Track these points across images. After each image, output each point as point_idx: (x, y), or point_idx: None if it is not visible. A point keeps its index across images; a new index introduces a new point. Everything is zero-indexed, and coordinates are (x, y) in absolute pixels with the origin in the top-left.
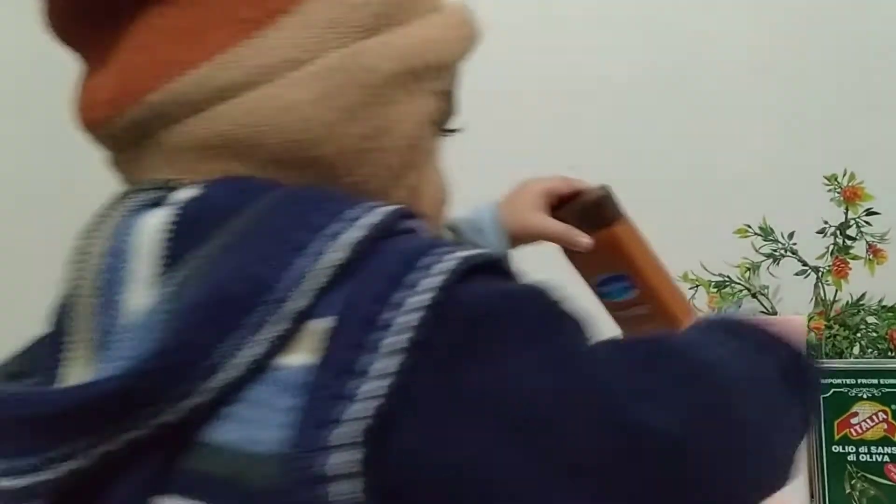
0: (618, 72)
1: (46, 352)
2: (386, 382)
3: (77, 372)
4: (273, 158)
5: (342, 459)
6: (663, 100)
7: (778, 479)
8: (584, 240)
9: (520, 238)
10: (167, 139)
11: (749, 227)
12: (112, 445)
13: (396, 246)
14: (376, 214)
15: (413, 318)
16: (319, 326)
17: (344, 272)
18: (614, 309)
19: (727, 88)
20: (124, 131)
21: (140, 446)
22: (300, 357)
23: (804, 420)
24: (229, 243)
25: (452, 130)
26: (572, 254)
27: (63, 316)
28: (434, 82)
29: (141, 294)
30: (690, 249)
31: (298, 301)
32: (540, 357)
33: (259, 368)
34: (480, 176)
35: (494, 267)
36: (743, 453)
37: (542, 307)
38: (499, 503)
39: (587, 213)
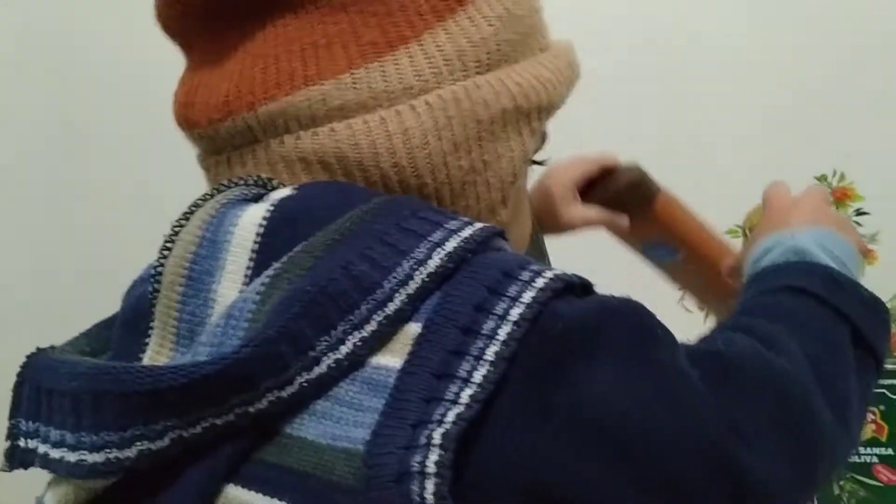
0: (607, 69)
1: (122, 335)
2: (487, 390)
3: (161, 358)
4: (379, 180)
5: (433, 459)
6: (653, 99)
7: (853, 445)
8: (625, 222)
9: (556, 231)
10: (275, 148)
11: (740, 227)
12: (192, 430)
13: (492, 259)
14: (474, 228)
15: (516, 330)
16: (413, 330)
17: (437, 280)
18: (660, 268)
19: (718, 89)
20: (231, 135)
21: (218, 434)
22: (395, 359)
23: (877, 373)
24: (333, 241)
25: (541, 164)
26: (615, 234)
27: (142, 302)
28: (538, 122)
29: (234, 285)
30: None
31: (399, 302)
32: (633, 374)
33: (354, 366)
34: None
35: (585, 287)
36: (826, 467)
37: (635, 323)
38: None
39: (624, 196)
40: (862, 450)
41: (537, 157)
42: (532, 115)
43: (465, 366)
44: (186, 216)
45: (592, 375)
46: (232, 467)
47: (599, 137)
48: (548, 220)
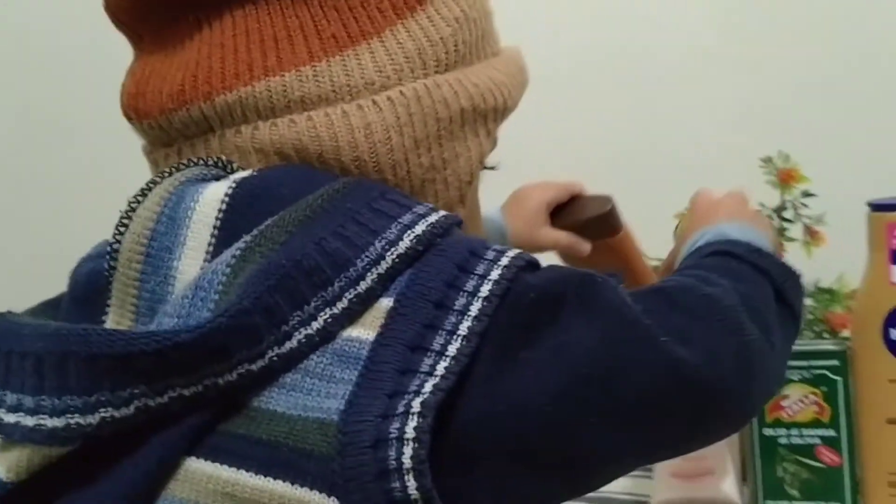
0: (558, 55)
1: (73, 311)
2: (462, 363)
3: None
4: (341, 174)
5: (412, 426)
6: (602, 84)
7: (777, 388)
8: (587, 249)
9: (524, 249)
10: (231, 138)
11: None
12: (158, 399)
13: (458, 240)
14: (439, 215)
15: (487, 306)
16: (385, 305)
17: (407, 259)
18: None
19: (666, 72)
20: (184, 125)
21: (184, 404)
22: (367, 332)
23: (796, 329)
24: (306, 218)
25: (491, 168)
26: (569, 256)
27: (95, 278)
28: (494, 124)
29: (195, 261)
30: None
31: (371, 280)
32: (594, 320)
33: (326, 339)
34: None
35: (537, 264)
36: (761, 374)
37: (588, 282)
38: (564, 457)
39: (594, 224)
40: (805, 432)
41: (489, 163)
42: (488, 116)
43: (439, 339)
44: (143, 192)
45: (562, 331)
46: (195, 439)
47: (551, 126)
48: (517, 238)
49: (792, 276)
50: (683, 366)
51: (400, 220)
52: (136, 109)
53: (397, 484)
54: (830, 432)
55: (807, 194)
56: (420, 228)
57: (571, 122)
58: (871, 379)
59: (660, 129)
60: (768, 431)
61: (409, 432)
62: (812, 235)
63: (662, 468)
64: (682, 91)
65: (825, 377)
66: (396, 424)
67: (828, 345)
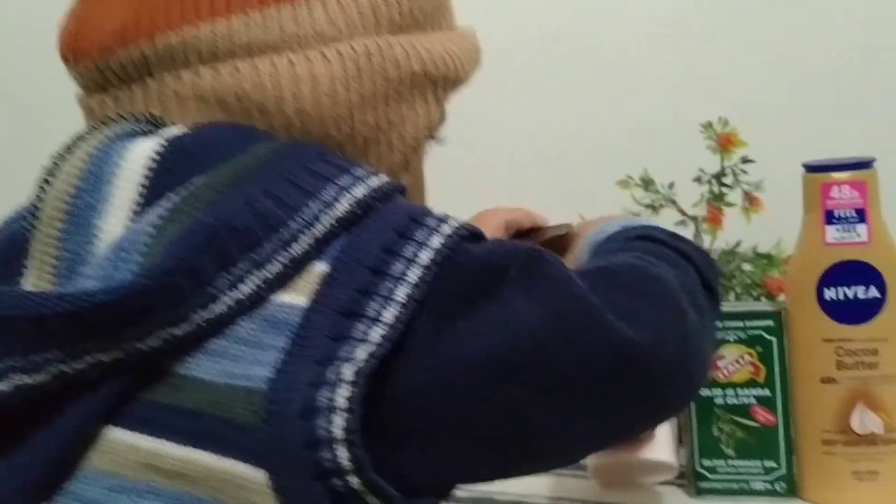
0: (499, 24)
1: None
2: (398, 329)
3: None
4: (281, 126)
5: (344, 395)
6: (544, 52)
7: (707, 374)
8: None
9: None
10: (170, 83)
11: (631, 178)
12: (75, 365)
13: (399, 206)
14: (381, 179)
15: (427, 273)
16: (319, 270)
17: (345, 223)
18: None
19: (607, 39)
20: (122, 67)
21: (103, 371)
22: (300, 297)
23: (717, 313)
24: (237, 178)
25: (437, 140)
26: None
27: (15, 239)
28: (444, 92)
29: (119, 220)
30: (572, 202)
31: (305, 244)
32: (536, 294)
33: (255, 304)
34: None
35: (481, 235)
36: (700, 356)
37: (532, 256)
38: (502, 432)
39: (549, 246)
40: (740, 391)
41: (438, 135)
42: (438, 83)
43: (374, 305)
44: (69, 149)
45: (504, 303)
46: (115, 407)
47: (493, 95)
48: None
49: (711, 261)
50: (630, 345)
51: (337, 182)
52: (74, 50)
53: (327, 454)
54: (765, 392)
55: (746, 160)
56: (360, 191)
57: (518, 90)
58: (805, 339)
59: (604, 97)
60: (704, 392)
61: (340, 401)
62: (751, 202)
63: None
64: (626, 59)
65: (760, 338)
66: (327, 393)
67: (763, 306)
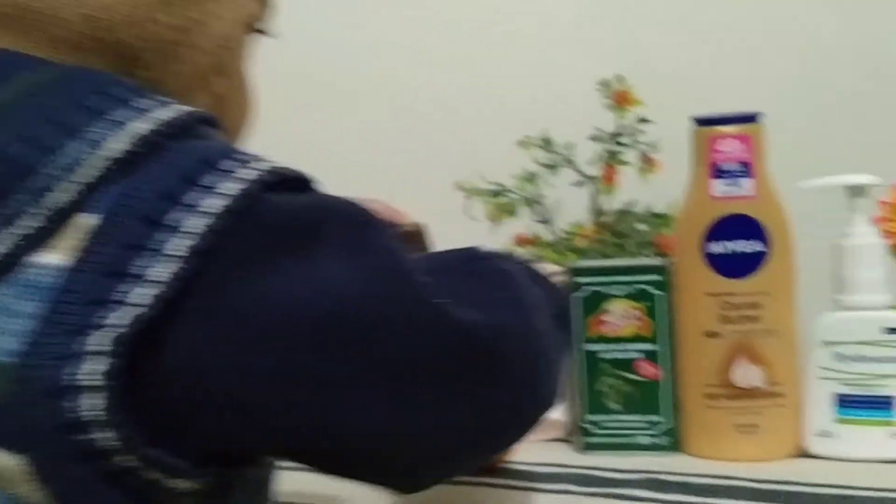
0: None
1: None
2: (173, 288)
3: None
4: (68, 37)
5: (98, 370)
6: (442, 12)
7: (555, 390)
8: None
9: None
10: None
11: (530, 138)
12: None
13: (191, 147)
14: (172, 110)
15: (206, 222)
16: (86, 223)
17: (123, 167)
18: None
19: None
20: None
21: None
22: (61, 256)
23: (567, 354)
24: None
25: (263, 33)
26: None
27: None
28: None
29: None
30: (473, 162)
31: (66, 192)
32: (355, 264)
33: (5, 267)
34: None
35: (303, 184)
36: (541, 359)
37: (358, 218)
38: (295, 418)
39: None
40: (626, 346)
41: (260, 26)
42: None
43: (140, 262)
44: None
45: (311, 265)
46: None
47: (392, 50)
48: None
49: (564, 297)
50: (459, 327)
51: (109, 117)
52: None
53: (83, 436)
54: (651, 346)
55: (642, 120)
56: (139, 127)
57: (415, 50)
58: (691, 293)
59: (499, 55)
60: (591, 347)
61: (90, 378)
62: (647, 162)
63: None
64: (520, 15)
65: (647, 292)
66: (82, 367)
67: (650, 261)
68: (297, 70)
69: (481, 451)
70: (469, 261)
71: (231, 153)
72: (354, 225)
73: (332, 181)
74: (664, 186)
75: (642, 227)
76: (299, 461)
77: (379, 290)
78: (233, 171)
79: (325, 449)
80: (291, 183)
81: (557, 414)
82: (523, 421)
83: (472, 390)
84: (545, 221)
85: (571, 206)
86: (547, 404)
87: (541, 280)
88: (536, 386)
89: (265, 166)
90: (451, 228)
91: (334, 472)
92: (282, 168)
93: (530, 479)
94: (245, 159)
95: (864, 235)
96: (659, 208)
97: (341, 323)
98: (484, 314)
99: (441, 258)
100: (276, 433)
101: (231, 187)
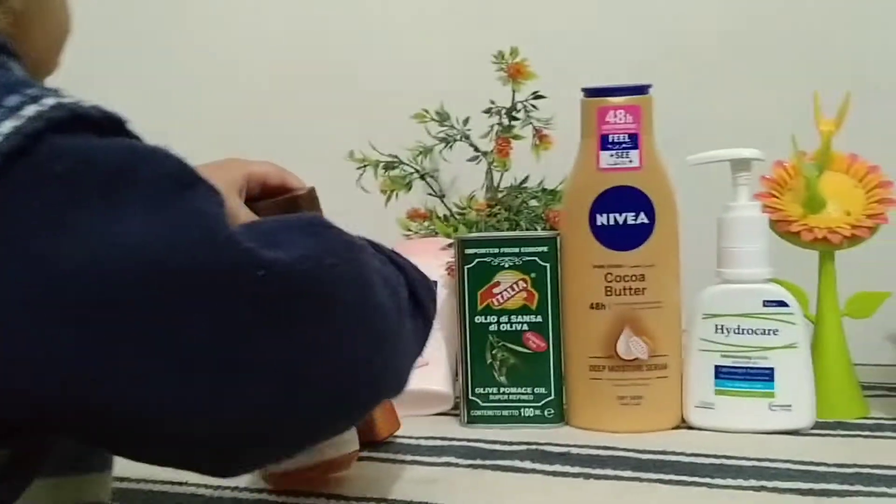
0: None
1: None
2: None
3: None
4: None
5: None
6: None
7: (395, 384)
8: None
9: None
10: None
11: (427, 111)
12: None
13: None
14: None
15: None
16: None
17: None
18: None
19: None
20: None
21: None
22: None
23: (423, 343)
24: None
25: None
26: None
27: None
28: None
29: None
30: (363, 131)
31: None
32: (160, 221)
33: None
34: None
35: (115, 126)
36: (372, 306)
37: (173, 170)
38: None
39: (285, 209)
40: (513, 318)
41: None
42: None
43: None
44: None
45: (105, 225)
46: None
47: (295, 24)
48: None
49: (427, 283)
50: (274, 264)
51: None
52: None
53: None
54: (537, 318)
55: (537, 96)
56: None
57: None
58: (577, 265)
59: (395, 26)
60: (479, 319)
61: None
62: (541, 139)
63: None
64: None
65: (534, 263)
66: None
67: (539, 233)
68: (186, 41)
69: (312, 415)
70: (309, 223)
71: (18, 87)
72: (169, 179)
73: (222, 149)
74: (558, 161)
75: (534, 202)
76: (82, 439)
77: (183, 239)
78: (19, 108)
79: (117, 424)
80: (94, 123)
81: (446, 388)
82: (355, 373)
83: (292, 331)
84: (440, 196)
85: (473, 183)
86: (383, 361)
87: (403, 262)
88: (365, 334)
89: (55, 102)
90: (342, 199)
91: (133, 453)
92: (80, 106)
93: (415, 452)
94: (37, 94)
95: (747, 209)
96: (550, 184)
97: (142, 281)
98: (300, 251)
99: (280, 219)
100: (53, 406)
101: (11, 125)
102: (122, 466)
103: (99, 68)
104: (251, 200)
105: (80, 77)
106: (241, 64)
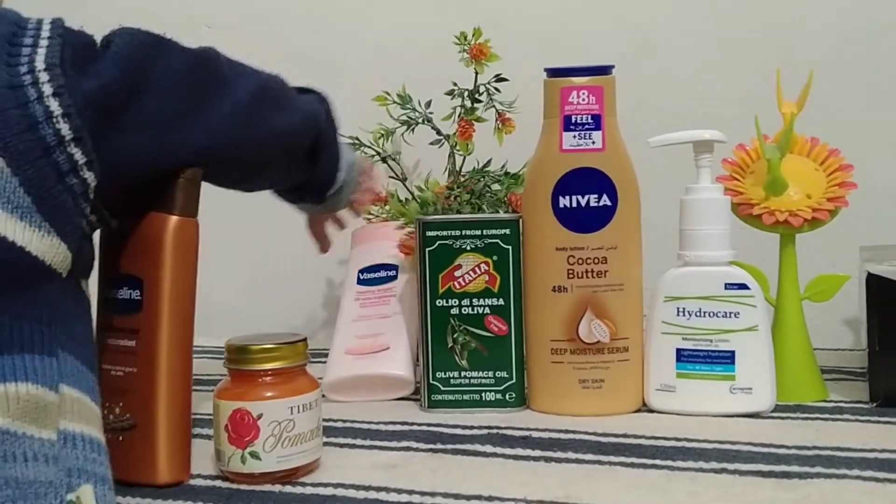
0: None
1: None
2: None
3: None
4: None
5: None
6: None
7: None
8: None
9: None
10: None
11: (388, 94)
12: None
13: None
14: None
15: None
16: None
17: None
18: None
19: None
20: None
21: None
22: None
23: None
24: None
25: None
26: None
27: None
28: None
29: None
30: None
31: None
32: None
33: None
34: None
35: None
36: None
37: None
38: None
39: None
40: (475, 301)
41: None
42: None
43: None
44: None
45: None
46: None
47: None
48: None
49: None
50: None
51: None
52: None
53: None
54: (499, 301)
55: (500, 79)
56: None
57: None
58: (539, 247)
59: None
60: (440, 302)
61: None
62: (503, 122)
63: (338, 345)
64: None
65: (497, 246)
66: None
67: (501, 216)
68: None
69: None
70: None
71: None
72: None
73: None
74: (521, 143)
75: (496, 187)
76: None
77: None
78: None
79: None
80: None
81: (407, 372)
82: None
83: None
84: (401, 179)
85: (436, 167)
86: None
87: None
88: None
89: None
90: None
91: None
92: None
93: (374, 437)
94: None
95: (709, 191)
96: (512, 168)
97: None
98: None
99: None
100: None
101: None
102: None
103: None
104: None
105: None
106: (199, 45)
